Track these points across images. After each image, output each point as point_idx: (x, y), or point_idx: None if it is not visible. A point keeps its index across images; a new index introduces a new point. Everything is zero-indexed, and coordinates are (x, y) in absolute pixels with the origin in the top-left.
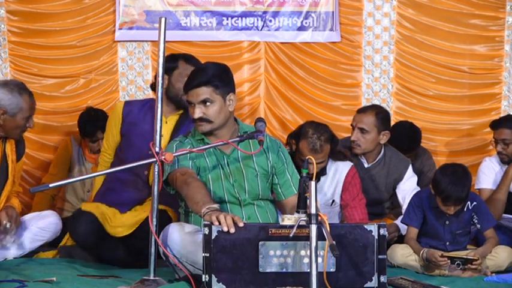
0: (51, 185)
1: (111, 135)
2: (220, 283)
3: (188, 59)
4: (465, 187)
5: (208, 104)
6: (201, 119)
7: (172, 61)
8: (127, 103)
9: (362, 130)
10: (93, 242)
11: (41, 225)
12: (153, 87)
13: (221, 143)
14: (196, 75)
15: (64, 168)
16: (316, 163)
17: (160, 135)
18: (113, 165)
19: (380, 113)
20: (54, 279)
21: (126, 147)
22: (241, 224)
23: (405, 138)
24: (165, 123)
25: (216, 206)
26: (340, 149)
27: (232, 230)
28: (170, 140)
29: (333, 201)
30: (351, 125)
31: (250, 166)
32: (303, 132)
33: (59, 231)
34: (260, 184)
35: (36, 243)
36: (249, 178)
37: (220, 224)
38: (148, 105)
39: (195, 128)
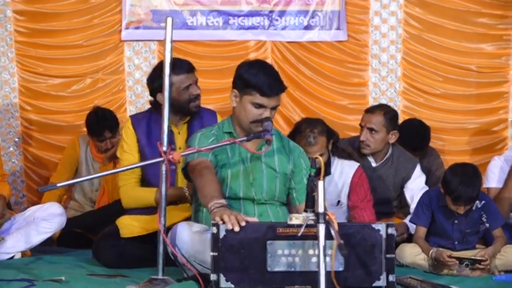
0: (59, 185)
1: (131, 155)
2: (229, 282)
3: (173, 68)
4: (475, 187)
5: (275, 109)
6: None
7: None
8: (134, 119)
9: (371, 130)
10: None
11: (45, 216)
12: (152, 103)
13: (228, 142)
14: (277, 81)
15: (72, 167)
16: (314, 157)
17: (168, 135)
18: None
19: (388, 113)
20: (63, 278)
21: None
22: (243, 223)
23: (415, 137)
24: (177, 134)
25: (223, 201)
26: (344, 148)
27: (237, 229)
28: None
29: (339, 201)
30: (360, 125)
31: (271, 167)
32: (297, 128)
33: (63, 223)
34: (278, 186)
35: (43, 235)
36: (269, 179)
37: (224, 222)
38: (153, 118)
39: (227, 122)
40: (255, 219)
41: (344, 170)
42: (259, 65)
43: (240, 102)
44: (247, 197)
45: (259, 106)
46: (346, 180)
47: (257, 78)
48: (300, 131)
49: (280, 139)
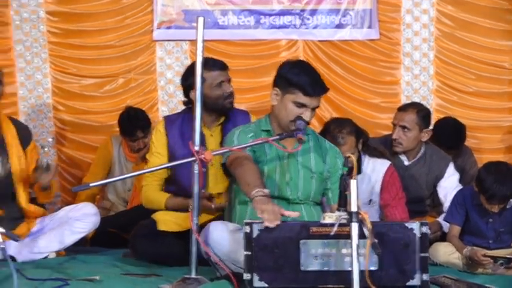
0: (92, 184)
1: (161, 157)
2: (263, 281)
3: (207, 65)
4: (510, 185)
5: (315, 110)
6: (308, 124)
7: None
8: (167, 120)
9: (404, 128)
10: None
11: (79, 216)
12: (186, 103)
13: (261, 141)
14: (319, 81)
15: (105, 167)
16: (346, 156)
17: (200, 134)
18: (166, 188)
19: (421, 111)
20: (97, 277)
21: (174, 166)
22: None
23: (450, 135)
24: (210, 136)
25: (266, 191)
26: (376, 146)
27: (272, 226)
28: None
29: (371, 200)
30: (392, 123)
31: (308, 167)
32: (326, 129)
33: (97, 223)
34: (314, 186)
35: (76, 235)
36: (305, 179)
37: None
38: (187, 119)
39: (264, 120)
40: (296, 214)
41: (375, 169)
42: (302, 65)
43: (281, 101)
44: (282, 196)
45: (301, 105)
46: (378, 179)
47: (300, 77)
48: (329, 131)
49: (317, 139)
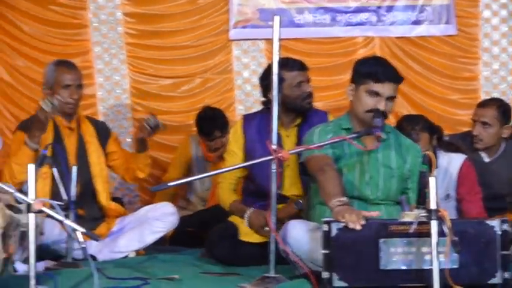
0: (170, 184)
1: (236, 156)
2: (342, 281)
3: (286, 65)
4: None
5: (392, 100)
6: (384, 114)
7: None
8: (245, 119)
9: (484, 124)
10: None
11: (158, 216)
12: (264, 103)
13: (338, 139)
14: (390, 68)
15: (183, 167)
16: (425, 153)
17: (277, 133)
18: (244, 186)
19: (502, 106)
20: (177, 276)
21: (251, 165)
22: (362, 222)
23: None
24: (286, 137)
25: (345, 199)
26: (451, 141)
27: (358, 227)
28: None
29: (448, 195)
30: (472, 119)
31: (389, 166)
32: (399, 126)
33: (176, 222)
34: (394, 185)
35: (156, 235)
36: (385, 178)
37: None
38: (264, 118)
39: (344, 118)
40: (376, 213)
41: (451, 163)
42: (375, 57)
43: (356, 94)
44: (362, 196)
45: (374, 94)
46: (453, 173)
47: (370, 66)
48: (402, 129)
49: (397, 137)
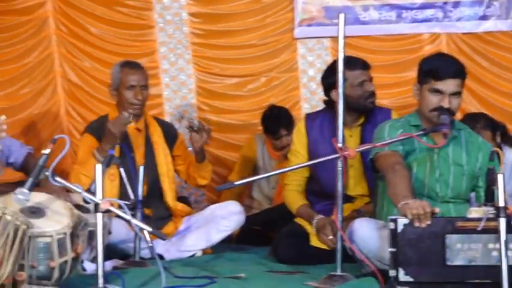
0: (236, 183)
1: (300, 156)
2: (408, 276)
3: (348, 64)
4: None
5: (457, 96)
6: (450, 111)
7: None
8: (308, 118)
9: None
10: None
11: (224, 215)
12: (326, 102)
13: (404, 137)
14: (452, 64)
15: (249, 166)
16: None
17: (343, 131)
18: (308, 186)
19: None
20: (243, 275)
21: (315, 165)
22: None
23: None
24: (349, 137)
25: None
26: None
27: (423, 225)
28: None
29: None
30: None
31: (459, 164)
32: None
33: (242, 221)
34: (465, 184)
35: (222, 233)
36: (456, 176)
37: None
38: (327, 117)
39: (413, 115)
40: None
41: None
42: (437, 55)
43: (421, 94)
44: (432, 192)
45: (437, 92)
46: None
47: (431, 64)
48: None
49: (469, 135)
